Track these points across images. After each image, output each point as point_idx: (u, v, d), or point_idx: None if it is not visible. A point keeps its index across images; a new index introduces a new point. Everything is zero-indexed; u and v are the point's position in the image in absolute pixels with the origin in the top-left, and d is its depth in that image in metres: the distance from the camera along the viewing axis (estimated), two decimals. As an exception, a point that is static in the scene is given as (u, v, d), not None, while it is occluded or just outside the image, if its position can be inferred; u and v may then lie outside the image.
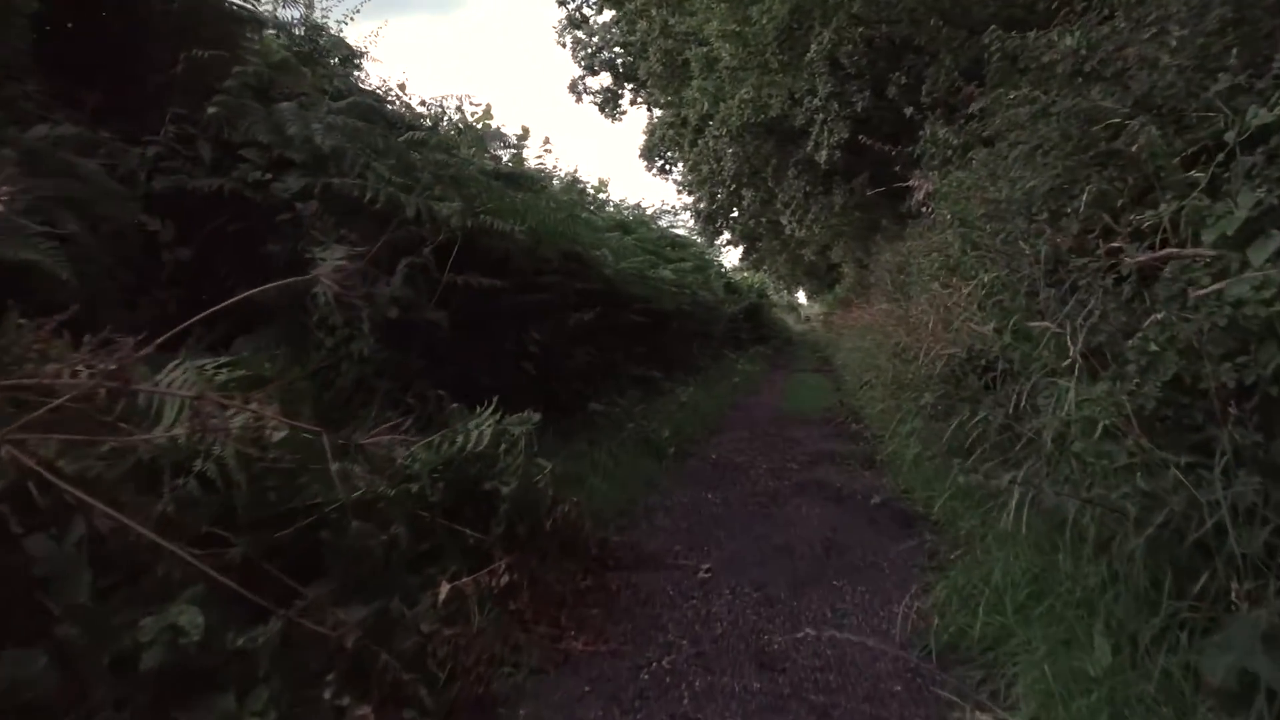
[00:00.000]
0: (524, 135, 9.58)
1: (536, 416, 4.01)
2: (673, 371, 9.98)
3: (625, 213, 11.71)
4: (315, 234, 3.62)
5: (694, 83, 13.94)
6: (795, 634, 2.76)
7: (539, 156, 9.96)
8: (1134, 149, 3.23)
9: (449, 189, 5.11)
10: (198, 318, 2.50)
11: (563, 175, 9.64)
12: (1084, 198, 3.57)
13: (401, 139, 4.77)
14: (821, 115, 14.95)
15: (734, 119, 12.69)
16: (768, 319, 22.94)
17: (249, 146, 3.77)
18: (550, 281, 7.31)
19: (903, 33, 11.10)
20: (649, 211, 13.14)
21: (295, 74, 5.09)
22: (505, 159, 8.15)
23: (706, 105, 13.74)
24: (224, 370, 2.31)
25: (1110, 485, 2.40)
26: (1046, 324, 2.75)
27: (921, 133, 11.26)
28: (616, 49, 17.59)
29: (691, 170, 18.10)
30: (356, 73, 7.07)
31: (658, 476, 5.40)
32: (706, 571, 3.51)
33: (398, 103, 7.07)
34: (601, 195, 11.98)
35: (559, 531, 3.34)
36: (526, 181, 7.21)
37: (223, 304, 2.61)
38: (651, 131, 21.33)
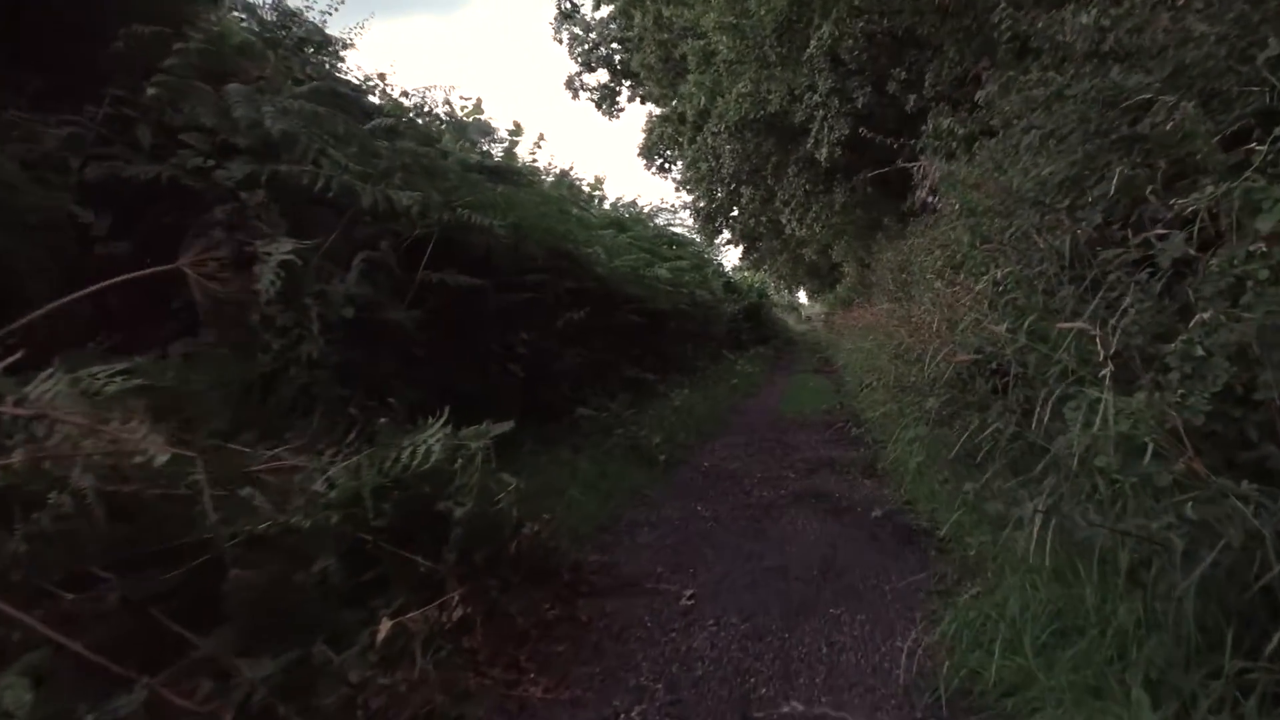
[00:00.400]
0: (516, 130, 9.25)
1: (504, 427, 3.68)
2: (669, 373, 9.64)
3: (621, 210, 11.36)
4: (260, 226, 3.28)
5: (690, 77, 13.57)
6: (780, 709, 2.38)
7: (532, 153, 9.63)
8: (1166, 129, 2.88)
9: (421, 180, 4.77)
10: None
11: (555, 171, 9.30)
12: (1106, 185, 3.22)
13: (368, 126, 4.43)
14: (822, 112, 14.59)
15: (731, 114, 12.33)
16: (768, 319, 22.58)
17: (191, 130, 3.43)
18: (538, 280, 6.97)
19: (905, 23, 10.72)
20: (646, 209, 12.79)
21: (258, 58, 4.75)
22: (494, 153, 7.81)
23: (703, 100, 13.38)
24: (117, 380, 1.96)
25: (1150, 512, 2.05)
26: (1078, 324, 2.38)
27: (924, 127, 10.93)
28: (614, 45, 17.25)
29: (690, 168, 17.73)
30: (334, 62, 6.73)
31: (646, 486, 5.04)
32: (690, 598, 3.15)
33: (378, 94, 6.73)
34: (598, 193, 11.64)
35: (525, 555, 2.99)
36: (512, 176, 6.86)
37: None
38: (650, 130, 21.00)
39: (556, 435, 5.88)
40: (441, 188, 5.21)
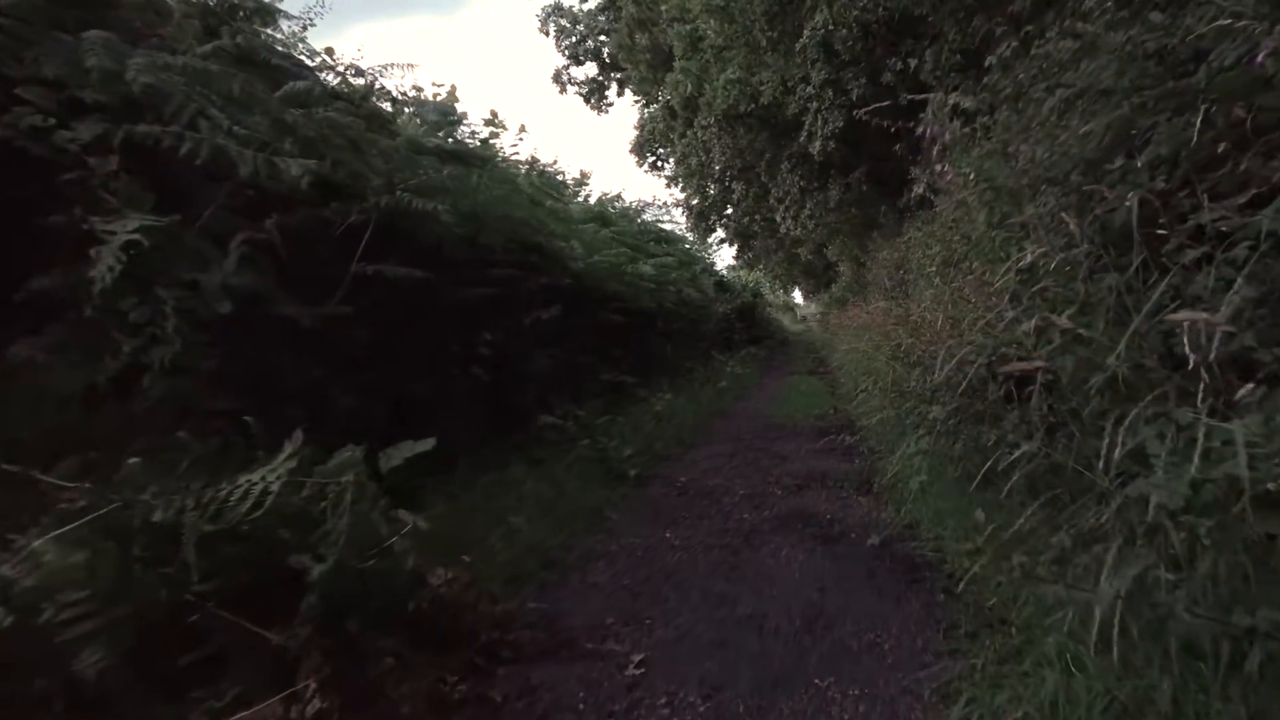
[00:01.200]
0: (493, 121, 8.59)
1: (424, 445, 3.01)
2: (652, 376, 8.97)
3: (604, 205, 10.69)
4: (108, 198, 2.61)
5: (677, 64, 12.89)
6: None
7: (513, 145, 9.02)
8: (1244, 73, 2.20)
9: (349, 156, 4.10)
10: None
11: (531, 160, 8.63)
12: (1160, 148, 2.55)
13: (280, 92, 3.75)
14: (815, 104, 13.93)
15: (719, 101, 11.67)
16: (762, 319, 21.91)
17: (31, 84, 2.75)
18: (504, 275, 6.32)
19: (902, 5, 10.05)
20: (634, 205, 12.13)
21: (163, 15, 4.08)
22: (461, 138, 7.12)
23: (690, 87, 12.69)
24: None
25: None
26: (1197, 315, 1.69)
27: (923, 115, 10.22)
28: (601, 37, 16.58)
29: (680, 163, 17.07)
30: (277, 35, 6.02)
31: (610, 507, 4.36)
32: (639, 665, 2.47)
33: (329, 72, 6.03)
34: (583, 187, 10.99)
35: (427, 617, 2.32)
36: (475, 161, 6.18)
37: None
38: (642, 127, 20.33)
39: (521, 446, 5.23)
40: (380, 168, 4.54)
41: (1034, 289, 2.82)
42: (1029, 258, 2.77)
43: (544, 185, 8.00)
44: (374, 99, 5.88)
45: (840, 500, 4.60)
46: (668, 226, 13.11)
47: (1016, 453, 3.20)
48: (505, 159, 8.23)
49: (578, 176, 11.00)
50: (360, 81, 6.24)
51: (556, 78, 17.44)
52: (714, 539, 3.82)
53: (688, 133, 15.26)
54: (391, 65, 6.08)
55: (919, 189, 13.26)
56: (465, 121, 6.45)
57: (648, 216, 12.31)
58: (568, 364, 7.30)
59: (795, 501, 4.59)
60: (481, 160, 6.75)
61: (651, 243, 11.29)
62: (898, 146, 15.24)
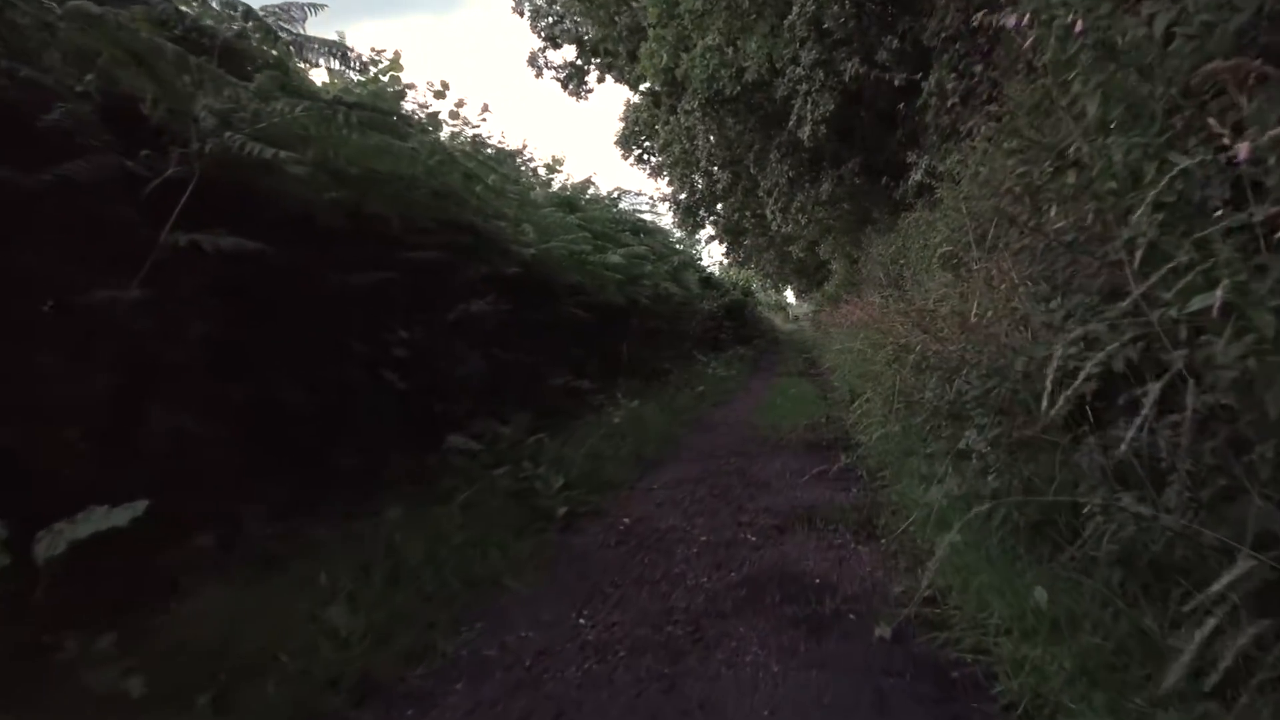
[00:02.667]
0: (443, 90, 7.35)
1: (124, 514, 1.75)
2: (620, 379, 7.69)
3: (573, 190, 9.41)
4: None
5: (650, 32, 11.59)
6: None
7: (475, 125, 7.78)
8: None
9: (133, 73, 2.82)
10: None
11: (471, 131, 7.34)
12: None
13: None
14: (805, 86, 12.66)
15: (698, 71, 10.36)
16: (752, 317, 20.64)
17: None
18: (423, 259, 5.07)
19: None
20: (612, 193, 10.84)
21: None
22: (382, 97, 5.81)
23: (665, 58, 11.38)
24: None
25: None
26: None
27: (925, 83, 8.97)
28: (578, 18, 15.29)
29: (663, 150, 15.77)
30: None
31: (512, 571, 3.05)
32: None
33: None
34: (556, 173, 9.72)
35: None
36: (381, 117, 4.89)
37: None
38: (627, 117, 19.05)
39: (422, 475, 3.95)
40: (215, 107, 3.27)
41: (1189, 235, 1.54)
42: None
43: (488, 160, 6.71)
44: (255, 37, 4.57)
45: (834, 552, 3.32)
46: (648, 217, 11.82)
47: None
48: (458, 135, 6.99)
49: (549, 163, 9.73)
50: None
51: (532, 61, 16.12)
52: (649, 628, 2.53)
53: (670, 119, 13.98)
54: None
55: (917, 175, 12.03)
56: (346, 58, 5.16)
57: (625, 205, 11.02)
58: (512, 366, 6.04)
59: (773, 554, 3.31)
60: (402, 122, 5.47)
61: (626, 233, 10.00)
62: (899, 133, 14.05)
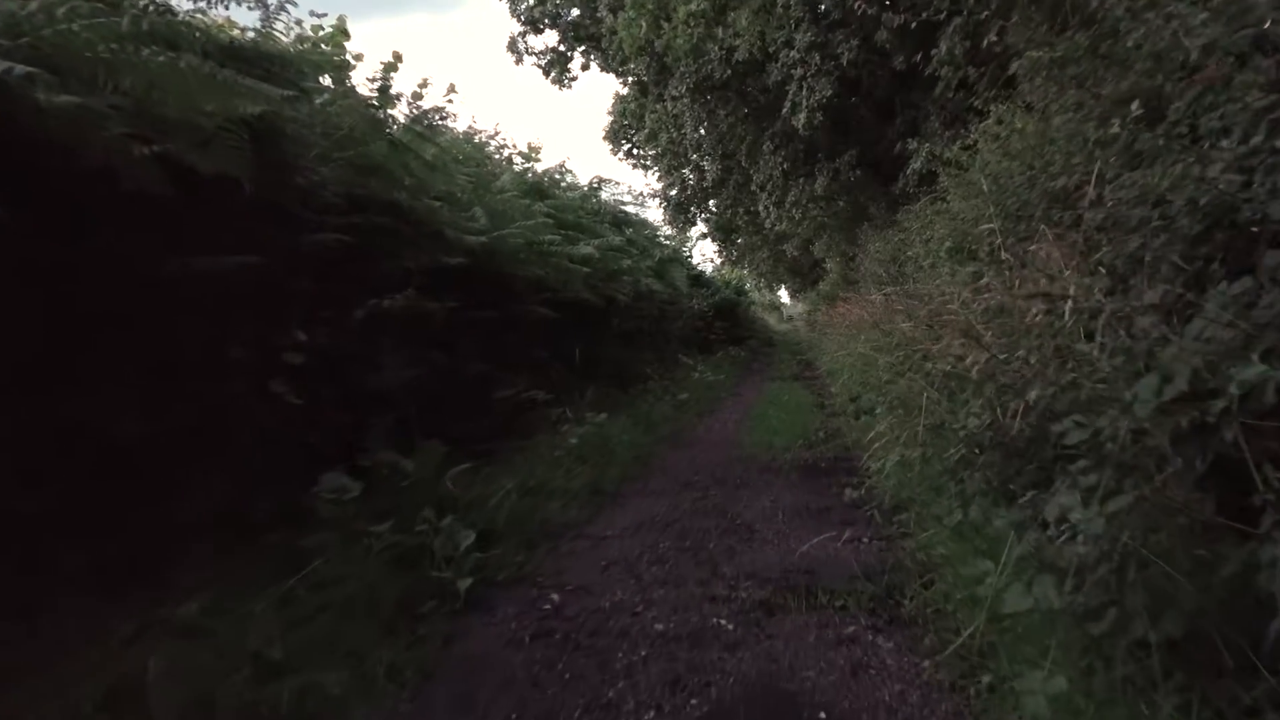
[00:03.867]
0: (395, 62, 6.25)
1: None
2: (589, 387, 6.61)
3: (544, 175, 8.31)
4: None
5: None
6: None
7: (440, 108, 6.73)
8: None
9: None
10: None
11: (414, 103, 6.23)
12: None
13: None
14: (799, 70, 11.58)
15: (681, 41, 9.25)
16: (745, 317, 19.53)
17: None
18: (330, 244, 4.04)
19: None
20: (591, 181, 9.73)
21: None
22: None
23: (644, 27, 10.25)
24: None
25: None
26: None
27: (935, 49, 7.92)
28: (558, 0, 14.16)
29: (650, 140, 14.65)
30: None
31: (353, 701, 1.97)
32: None
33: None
34: (532, 161, 8.62)
35: None
36: (272, 64, 3.79)
37: None
38: (615, 109, 17.95)
39: (287, 529, 2.86)
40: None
41: None
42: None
43: (426, 133, 5.63)
44: None
45: (845, 650, 2.24)
46: (631, 209, 10.71)
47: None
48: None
49: (526, 150, 8.63)
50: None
51: (511, 46, 14.91)
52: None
53: (657, 107, 12.89)
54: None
55: (917, 162, 10.95)
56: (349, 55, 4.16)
57: (606, 196, 9.92)
58: (456, 375, 4.96)
59: (757, 656, 2.22)
60: (305, 73, 4.40)
61: (605, 225, 8.90)
62: (898, 121, 12.99)
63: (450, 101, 6.91)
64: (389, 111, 5.78)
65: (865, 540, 3.24)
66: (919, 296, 7.64)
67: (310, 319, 3.97)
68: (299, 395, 3.70)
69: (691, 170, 17.51)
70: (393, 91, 5.92)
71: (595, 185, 9.82)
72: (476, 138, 7.93)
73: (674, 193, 18.97)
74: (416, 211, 4.67)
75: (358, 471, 3.07)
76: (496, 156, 8.27)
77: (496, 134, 8.43)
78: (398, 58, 6.41)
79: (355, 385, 4.09)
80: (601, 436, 4.92)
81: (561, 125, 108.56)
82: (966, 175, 7.79)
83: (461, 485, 3.27)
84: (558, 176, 8.51)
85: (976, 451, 2.73)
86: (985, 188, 5.44)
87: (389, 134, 4.72)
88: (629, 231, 10.56)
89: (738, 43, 9.63)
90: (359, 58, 5.49)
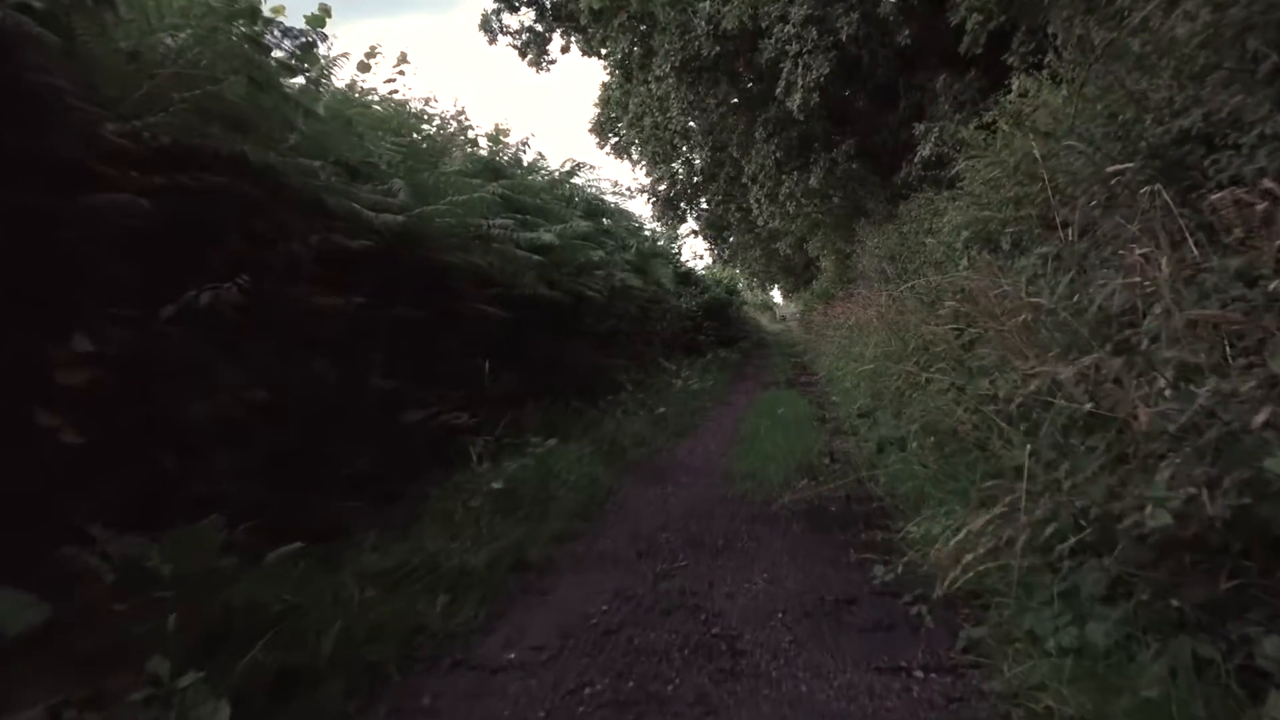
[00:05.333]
0: (321, 15, 4.98)
1: None
2: (542, 402, 5.32)
3: (501, 155, 7.01)
4: None
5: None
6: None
7: (390, 80, 5.50)
8: None
9: None
10: None
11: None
12: None
13: None
14: (795, 46, 10.30)
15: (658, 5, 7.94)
16: (737, 317, 18.21)
17: None
18: (131, 209, 2.76)
19: None
20: (564, 164, 8.41)
21: None
22: None
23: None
24: None
25: None
26: None
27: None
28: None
29: (633, 125, 13.35)
30: None
31: None
32: None
33: None
34: (499, 143, 7.33)
35: None
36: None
37: None
38: (601, 100, 16.66)
39: None
40: None
41: None
42: None
43: (317, 80, 4.35)
44: None
45: None
46: (611, 199, 9.38)
47: None
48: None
49: (492, 132, 7.33)
50: None
51: (485, 25, 13.52)
52: None
53: (641, 89, 11.60)
54: None
55: (926, 149, 9.68)
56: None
57: (580, 181, 8.60)
58: (345, 393, 3.66)
59: None
60: None
61: (577, 212, 7.58)
62: (901, 105, 11.69)
63: (401, 74, 5.68)
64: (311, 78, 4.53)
65: (918, 672, 1.95)
66: (935, 292, 6.38)
67: (104, 318, 2.69)
68: (80, 431, 2.45)
69: (681, 164, 16.22)
70: (311, 43, 4.68)
71: (569, 169, 8.51)
72: (427, 112, 6.64)
73: (663, 188, 17.70)
74: (284, 174, 3.37)
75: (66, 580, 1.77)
76: (458, 136, 6.98)
77: (460, 113, 7.11)
78: (325, 10, 5.13)
79: (170, 414, 2.79)
80: (542, 472, 3.62)
81: (552, 120, 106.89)
82: (993, 154, 6.56)
83: (280, 582, 1.97)
84: (521, 154, 7.20)
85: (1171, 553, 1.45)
86: (1038, 152, 4.17)
87: (257, 75, 3.41)
88: (607, 222, 9.26)
89: (726, 9, 8.32)
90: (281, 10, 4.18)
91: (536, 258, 5.13)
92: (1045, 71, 6.55)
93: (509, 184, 6.40)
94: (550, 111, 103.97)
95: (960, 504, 2.77)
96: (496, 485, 3.17)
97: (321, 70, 4.52)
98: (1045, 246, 3.40)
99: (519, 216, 5.93)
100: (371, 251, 4.13)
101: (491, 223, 4.93)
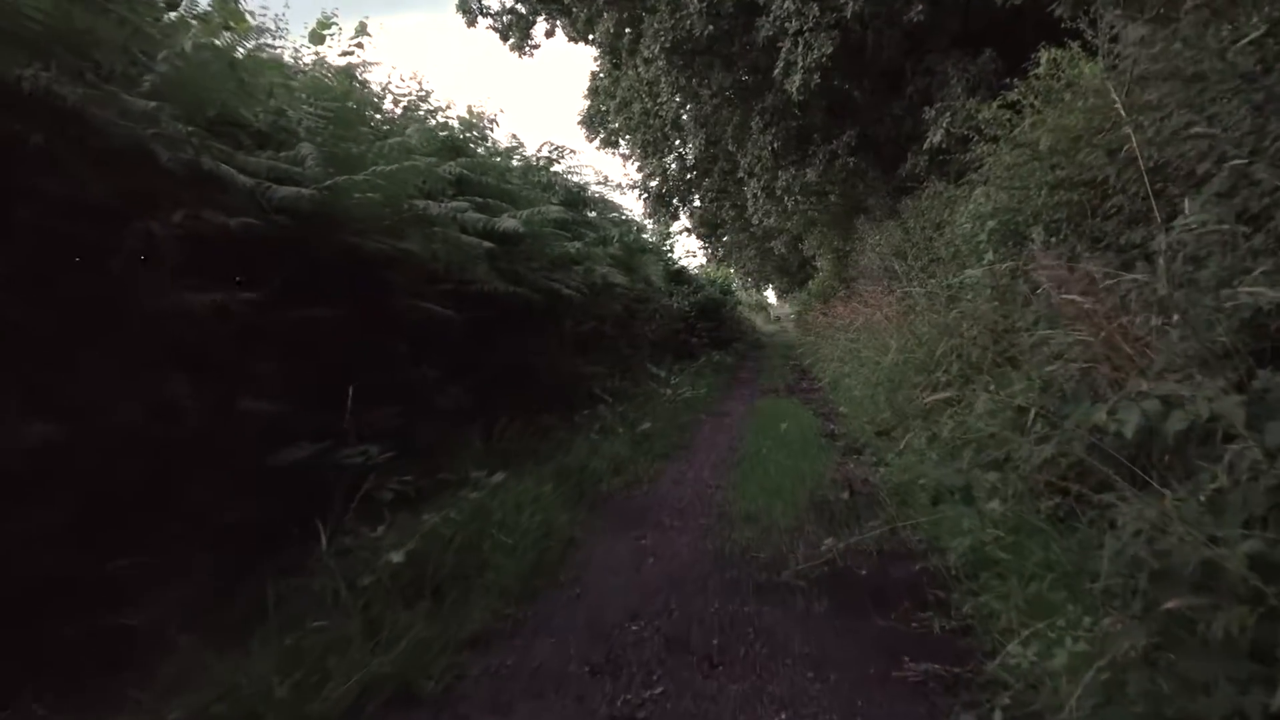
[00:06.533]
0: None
1: None
2: (497, 420, 4.32)
3: (462, 132, 6.00)
4: None
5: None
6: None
7: (347, 52, 4.59)
8: None
9: None
10: None
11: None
12: None
13: None
14: (795, 23, 9.31)
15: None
16: (731, 318, 17.23)
17: None
18: None
19: None
20: (543, 151, 7.42)
21: None
22: None
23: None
24: None
25: None
26: None
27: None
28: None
29: (621, 110, 12.35)
30: None
31: None
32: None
33: None
34: (475, 129, 6.32)
35: None
36: None
37: None
38: (591, 91, 15.64)
39: None
40: None
41: None
42: None
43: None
44: None
45: None
46: (596, 189, 8.37)
47: None
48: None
49: (466, 115, 6.31)
50: None
51: (463, 5, 12.45)
52: None
53: (630, 72, 10.61)
54: None
55: (936, 135, 8.72)
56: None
57: (560, 168, 7.60)
58: (213, 423, 2.66)
59: None
60: None
61: (553, 199, 6.57)
62: (909, 90, 10.67)
63: (360, 46, 4.76)
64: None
65: None
66: (967, 288, 5.42)
67: None
68: None
69: (673, 159, 15.22)
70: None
71: (548, 154, 7.52)
72: (392, 92, 5.67)
73: (654, 183, 16.70)
74: (128, 126, 2.36)
75: None
76: (417, 111, 5.97)
77: (428, 94, 6.04)
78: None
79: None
80: (475, 527, 2.62)
81: (543, 117, 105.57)
82: (1022, 134, 5.60)
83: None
84: (488, 131, 6.20)
85: None
86: (1121, 104, 3.19)
87: None
88: (592, 214, 8.27)
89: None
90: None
91: (487, 244, 4.13)
92: (1078, 43, 5.60)
93: (469, 163, 5.41)
94: (542, 108, 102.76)
95: (1061, 588, 1.80)
96: (396, 558, 2.17)
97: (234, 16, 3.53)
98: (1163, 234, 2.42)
99: (480, 200, 4.94)
100: (270, 235, 3.15)
101: (432, 204, 3.93)
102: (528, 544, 2.75)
